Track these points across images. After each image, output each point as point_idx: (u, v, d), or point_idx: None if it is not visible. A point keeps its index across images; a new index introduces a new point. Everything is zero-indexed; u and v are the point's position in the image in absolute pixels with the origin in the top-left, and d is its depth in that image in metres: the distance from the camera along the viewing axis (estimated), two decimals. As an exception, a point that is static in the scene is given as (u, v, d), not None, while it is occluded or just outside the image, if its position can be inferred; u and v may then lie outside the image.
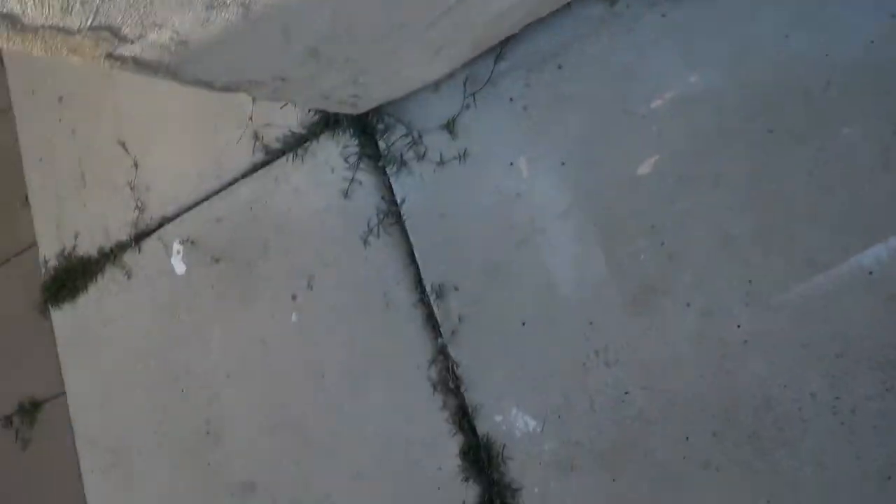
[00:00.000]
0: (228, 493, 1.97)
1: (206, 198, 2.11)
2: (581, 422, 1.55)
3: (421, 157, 1.78)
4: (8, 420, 2.47)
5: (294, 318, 1.92)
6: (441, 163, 1.78)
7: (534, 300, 1.62)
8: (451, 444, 1.67)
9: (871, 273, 1.33)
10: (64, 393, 2.33)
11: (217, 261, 2.06)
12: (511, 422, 1.61)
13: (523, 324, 1.63)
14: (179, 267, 2.12)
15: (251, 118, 2.00)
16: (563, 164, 1.62)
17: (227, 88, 1.27)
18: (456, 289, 1.70)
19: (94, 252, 2.30)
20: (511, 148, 1.68)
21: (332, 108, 1.69)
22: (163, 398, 2.11)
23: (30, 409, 2.40)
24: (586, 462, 1.53)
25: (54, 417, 2.35)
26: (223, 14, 0.97)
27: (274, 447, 1.91)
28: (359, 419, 1.80)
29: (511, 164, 1.68)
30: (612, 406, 1.52)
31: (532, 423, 1.60)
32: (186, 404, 2.07)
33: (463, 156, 1.73)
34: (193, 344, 2.08)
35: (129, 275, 2.21)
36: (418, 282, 1.77)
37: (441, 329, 1.71)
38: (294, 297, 1.93)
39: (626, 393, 1.52)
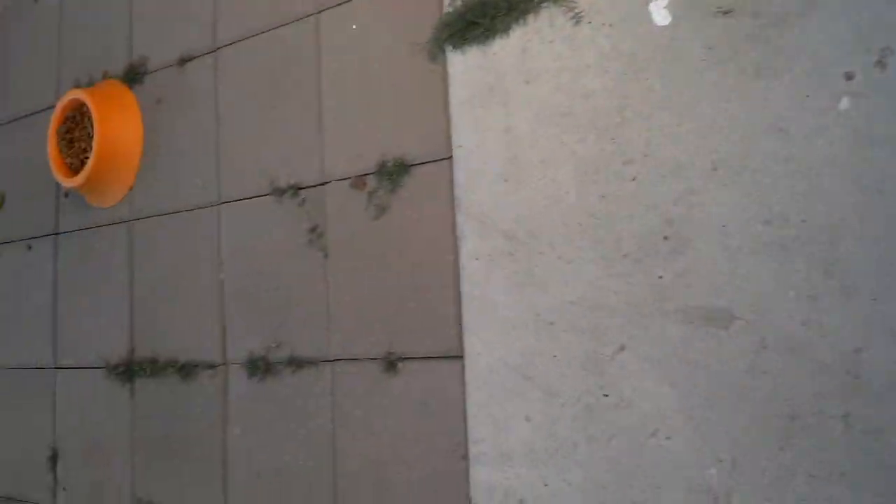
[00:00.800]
0: (685, 318, 1.91)
1: (720, -75, 1.90)
2: None
3: None
4: (360, 179, 2.56)
5: (844, 104, 1.74)
6: None
7: None
8: None
9: None
10: (448, 157, 2.34)
11: (725, 13, 1.88)
12: None
13: None
14: (661, 16, 1.97)
15: None
16: None
17: None
18: None
19: (525, -16, 2.21)
20: None
21: None
22: (603, 183, 2.05)
23: (394, 171, 2.46)
24: None
25: (427, 186, 2.39)
26: None
27: (772, 272, 1.80)
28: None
29: None
30: None
31: None
32: (639, 196, 1.99)
33: None
34: (663, 120, 1.96)
35: (577, 19, 2.10)
36: None
37: None
38: (849, 77, 1.73)
39: None
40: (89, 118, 3.15)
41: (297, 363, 2.66)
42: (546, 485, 2.10)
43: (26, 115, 3.77)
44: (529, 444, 2.13)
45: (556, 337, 2.10)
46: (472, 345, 2.25)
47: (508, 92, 2.22)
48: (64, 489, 3.42)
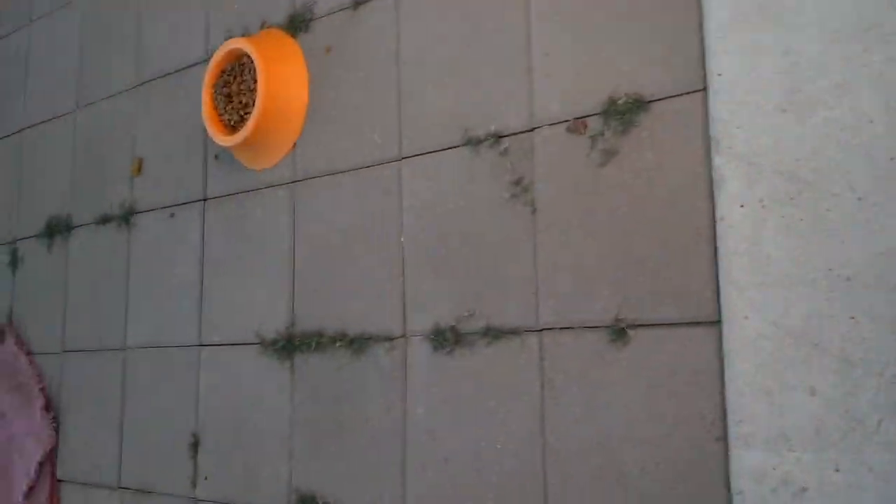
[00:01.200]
0: None
1: None
2: None
3: None
4: (580, 122, 2.31)
5: None
6: None
7: None
8: None
9: None
10: (702, 89, 2.09)
11: None
12: None
13: None
14: None
15: None
16: None
17: None
18: None
19: None
20: None
21: None
22: (925, 106, 1.76)
23: (627, 109, 2.21)
24: None
25: (672, 124, 2.13)
26: None
27: None
28: None
29: None
30: None
31: None
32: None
33: None
34: None
35: (886, -88, 1.83)
36: None
37: None
38: None
39: None
40: (250, 70, 2.99)
41: (494, 333, 2.43)
42: (838, 470, 1.82)
43: (168, 74, 3.65)
44: (815, 423, 1.85)
45: (855, 295, 1.82)
46: (736, 307, 1.98)
47: (786, 6, 1.95)
48: (205, 478, 3.26)
